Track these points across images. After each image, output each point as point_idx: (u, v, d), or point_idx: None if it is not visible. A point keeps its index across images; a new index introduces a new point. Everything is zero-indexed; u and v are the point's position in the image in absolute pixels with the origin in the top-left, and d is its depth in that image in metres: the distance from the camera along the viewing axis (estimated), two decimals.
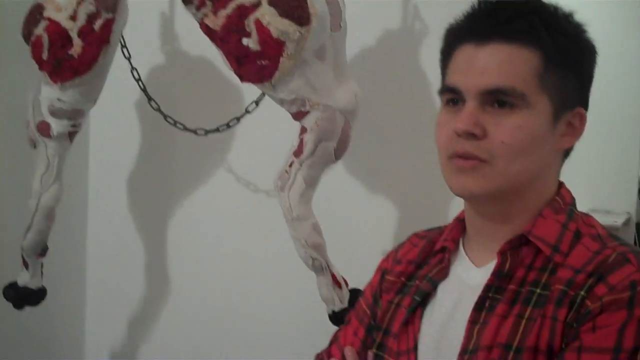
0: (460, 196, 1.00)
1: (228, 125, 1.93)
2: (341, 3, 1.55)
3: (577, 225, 0.97)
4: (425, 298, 1.03)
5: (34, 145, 1.81)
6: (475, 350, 0.93)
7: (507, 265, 0.96)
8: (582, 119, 0.99)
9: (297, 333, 2.06)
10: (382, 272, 1.14)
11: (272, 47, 1.48)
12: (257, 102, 1.85)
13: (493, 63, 0.94)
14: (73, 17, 1.67)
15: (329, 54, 1.53)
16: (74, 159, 1.96)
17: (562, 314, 0.89)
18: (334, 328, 1.23)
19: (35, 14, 1.73)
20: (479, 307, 0.95)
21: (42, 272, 1.90)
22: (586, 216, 1.00)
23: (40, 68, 1.73)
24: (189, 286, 2.27)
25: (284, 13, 1.47)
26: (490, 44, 0.94)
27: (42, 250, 1.87)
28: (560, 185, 1.02)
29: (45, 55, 1.70)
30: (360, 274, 1.18)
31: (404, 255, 1.12)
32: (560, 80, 0.95)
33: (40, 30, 1.70)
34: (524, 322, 0.91)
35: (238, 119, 1.92)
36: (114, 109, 2.15)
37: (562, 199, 1.00)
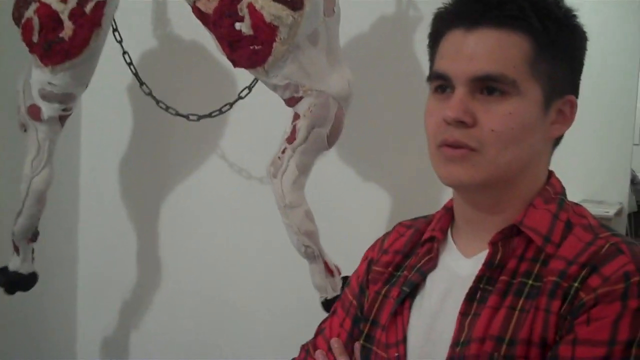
0: (450, 186, 0.98)
1: (220, 111, 1.91)
2: None
3: (568, 215, 0.96)
4: (414, 289, 1.01)
5: (24, 129, 1.80)
6: (467, 342, 0.92)
7: (499, 256, 0.95)
8: (573, 107, 0.98)
9: (290, 320, 2.06)
10: (369, 261, 1.12)
11: (265, 32, 1.46)
12: (250, 88, 1.83)
13: (483, 49, 0.92)
14: (64, 0, 1.65)
15: (322, 40, 1.52)
16: (65, 143, 1.94)
17: (555, 306, 0.88)
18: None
19: None
20: (470, 298, 0.94)
21: (33, 257, 1.89)
22: (576, 206, 1.00)
23: (31, 51, 1.71)
24: (181, 273, 2.26)
25: None
26: (480, 29, 0.93)
27: (33, 236, 1.86)
28: (550, 174, 1.01)
29: (35, 38, 1.68)
30: (353, 261, 1.17)
31: (390, 245, 1.11)
32: (551, 67, 0.93)
33: (30, 12, 1.68)
34: (516, 313, 0.90)
35: (231, 105, 1.90)
36: (106, 93, 2.14)
37: (552, 188, 0.99)
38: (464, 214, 1.01)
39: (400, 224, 1.15)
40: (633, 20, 4.15)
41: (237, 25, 1.48)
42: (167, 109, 1.94)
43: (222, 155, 2.16)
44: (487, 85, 0.92)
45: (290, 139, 1.54)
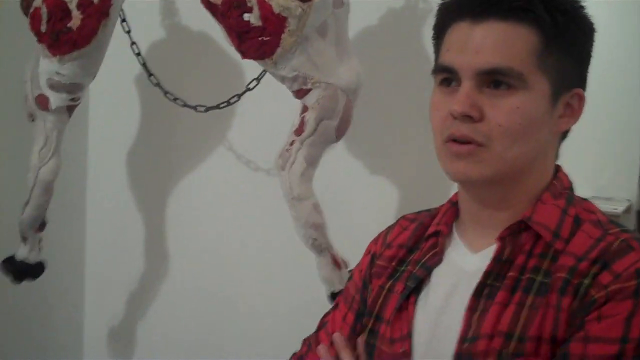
0: (457, 182, 0.97)
1: (229, 103, 1.91)
2: None
3: (577, 211, 0.95)
4: (418, 284, 1.00)
5: (32, 119, 1.80)
6: (475, 338, 0.90)
7: (507, 252, 0.94)
8: (581, 100, 0.96)
9: (296, 311, 2.06)
10: (372, 255, 1.11)
11: (274, 23, 1.46)
12: (258, 79, 1.82)
13: (490, 42, 0.91)
14: None
15: (331, 31, 1.51)
16: (73, 133, 1.94)
17: (565, 303, 0.87)
18: None
19: None
20: (477, 294, 0.93)
21: (40, 247, 1.89)
22: (584, 201, 0.98)
23: (39, 41, 1.71)
24: (188, 264, 2.26)
25: None
26: (486, 21, 0.91)
27: (41, 225, 1.86)
28: (558, 168, 1.00)
29: (43, 28, 1.68)
30: (360, 255, 1.16)
31: (394, 238, 1.09)
32: (559, 60, 0.92)
33: (38, 2, 1.68)
34: (525, 310, 0.89)
35: (239, 96, 1.89)
36: (114, 84, 2.14)
37: (560, 183, 0.98)
38: (470, 210, 1.00)
39: (403, 217, 1.14)
40: None
41: (246, 16, 1.48)
42: (174, 100, 1.93)
43: (230, 147, 2.15)
44: (494, 79, 0.90)
45: (299, 131, 1.53)
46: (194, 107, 1.93)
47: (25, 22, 1.73)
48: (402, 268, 1.05)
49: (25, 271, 1.88)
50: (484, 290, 0.93)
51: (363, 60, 1.59)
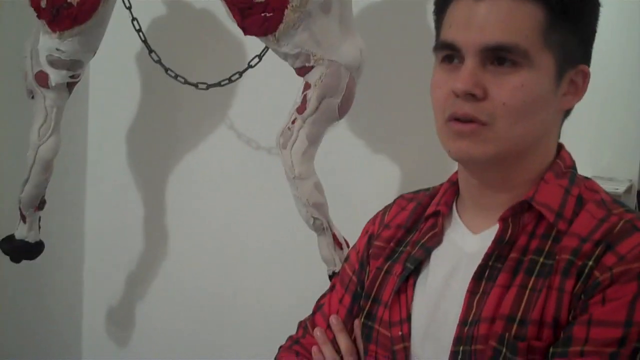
0: (459, 161, 0.96)
1: (230, 80, 1.89)
2: None
3: (580, 190, 0.94)
4: (418, 266, 0.99)
5: (31, 96, 1.78)
6: (476, 321, 0.89)
7: (509, 232, 0.92)
8: (586, 77, 0.94)
9: (296, 291, 2.05)
10: (369, 236, 1.09)
11: None
12: (260, 57, 1.80)
13: (494, 18, 0.88)
14: None
15: (334, 8, 1.49)
16: (73, 110, 1.93)
17: (569, 285, 0.86)
18: None
19: None
20: (478, 276, 0.92)
21: (39, 226, 1.88)
22: (587, 180, 0.97)
23: (39, 16, 1.69)
24: (188, 243, 2.26)
25: None
26: None
27: (40, 204, 1.85)
28: (560, 147, 0.98)
29: (43, 3, 1.66)
30: None
31: (392, 219, 1.08)
32: (564, 36, 0.90)
33: None
34: (527, 292, 0.88)
35: (240, 74, 1.88)
36: (114, 60, 2.12)
37: (562, 161, 0.96)
38: (471, 190, 0.98)
39: (401, 196, 1.12)
40: None
41: None
42: (176, 77, 1.91)
43: (231, 125, 2.14)
44: (499, 56, 0.88)
45: (301, 109, 1.52)
46: (195, 85, 1.91)
47: None
48: (401, 249, 1.03)
49: (23, 250, 1.87)
50: (485, 272, 0.92)
51: (366, 37, 1.57)
